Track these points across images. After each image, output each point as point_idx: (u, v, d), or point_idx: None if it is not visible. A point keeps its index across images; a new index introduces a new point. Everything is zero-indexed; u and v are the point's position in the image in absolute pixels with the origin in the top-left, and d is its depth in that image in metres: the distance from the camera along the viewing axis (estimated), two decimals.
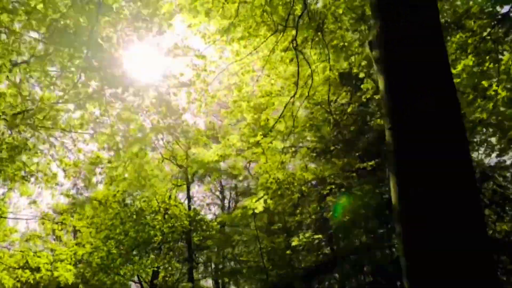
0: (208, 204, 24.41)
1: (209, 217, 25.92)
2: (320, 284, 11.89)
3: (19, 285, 13.17)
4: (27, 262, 12.31)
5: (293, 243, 9.75)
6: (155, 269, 22.94)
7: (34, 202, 11.91)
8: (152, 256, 22.57)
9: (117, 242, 19.86)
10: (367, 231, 10.80)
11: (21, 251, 12.04)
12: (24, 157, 8.45)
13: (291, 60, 10.61)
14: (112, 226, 19.77)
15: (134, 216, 20.11)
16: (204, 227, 20.28)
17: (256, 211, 9.71)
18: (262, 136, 9.43)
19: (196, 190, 28.86)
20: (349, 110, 9.32)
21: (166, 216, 20.35)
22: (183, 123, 24.22)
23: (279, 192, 9.57)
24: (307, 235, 9.85)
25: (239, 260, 15.24)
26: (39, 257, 12.15)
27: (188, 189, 22.07)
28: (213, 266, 22.22)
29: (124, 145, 13.70)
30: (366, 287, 11.04)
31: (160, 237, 18.27)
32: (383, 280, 10.66)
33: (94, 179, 12.92)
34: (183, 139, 22.34)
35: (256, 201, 9.46)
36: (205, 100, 10.92)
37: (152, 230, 18.62)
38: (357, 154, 9.79)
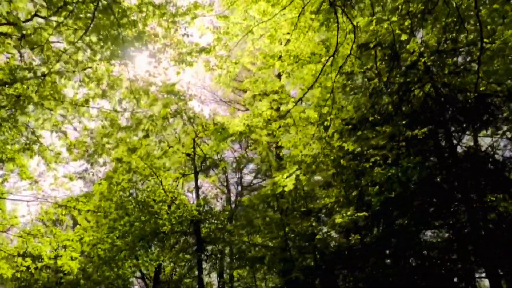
0: (216, 195, 23.31)
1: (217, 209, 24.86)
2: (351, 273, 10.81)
3: (19, 275, 12.07)
4: (27, 249, 11.27)
5: (337, 220, 8.67)
6: (161, 262, 21.87)
7: (36, 182, 10.82)
8: (157, 249, 21.50)
9: (122, 234, 18.78)
10: (414, 210, 9.72)
11: (20, 236, 10.96)
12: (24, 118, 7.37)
13: (322, 24, 9.56)
14: (117, 216, 18.69)
15: (140, 206, 19.04)
16: (213, 218, 19.21)
17: (286, 189, 8.65)
18: (294, 104, 8.36)
19: (200, 182, 27.78)
20: (392, 74, 8.26)
21: (173, 206, 19.27)
22: (190, 111, 23.13)
23: (313, 167, 8.51)
24: (349, 212, 8.76)
25: (261, 246, 14.09)
26: (40, 243, 11.09)
27: (196, 179, 20.95)
28: (227, 259, 21.13)
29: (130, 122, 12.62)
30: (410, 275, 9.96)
31: (169, 226, 17.16)
32: (430, 265, 9.59)
33: (101, 159, 11.88)
34: (190, 126, 21.38)
35: (287, 177, 8.39)
36: (226, 67, 9.87)
37: (160, 219, 17.51)
38: (403, 122, 8.72)
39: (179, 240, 22.00)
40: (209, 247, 22.13)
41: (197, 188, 20.91)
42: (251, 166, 33.43)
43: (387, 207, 9.40)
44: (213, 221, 21.39)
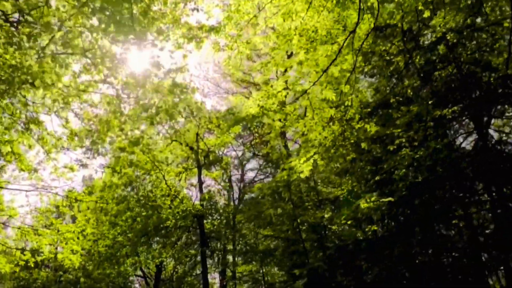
0: (219, 190, 22.77)
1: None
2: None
3: (17, 270, 11.50)
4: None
5: (362, 205, 8.11)
6: (163, 259, 21.34)
7: (35, 170, 10.26)
8: (160, 245, 20.95)
9: (124, 229, 18.25)
10: (439, 198, 9.15)
11: (19, 228, 10.38)
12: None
13: (337, 2, 9.04)
14: (118, 211, 18.15)
15: (142, 201, 18.49)
16: (217, 213, 18.69)
17: (301, 175, 8.11)
18: (312, 84, 7.82)
19: (203, 178, 27.28)
20: (414, 54, 7.73)
21: (177, 201, 18.73)
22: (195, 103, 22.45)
23: (331, 151, 7.98)
24: (373, 198, 8.20)
25: (273, 238, 13.50)
26: (40, 235, 10.52)
27: (200, 173, 20.40)
28: (230, 260, 20.52)
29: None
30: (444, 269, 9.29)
31: (173, 220, 16.61)
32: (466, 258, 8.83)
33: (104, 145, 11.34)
34: (193, 119, 20.82)
35: (304, 162, 7.84)
36: (237, 47, 9.32)
37: (164, 214, 16.96)
38: (429, 102, 8.15)
39: (181, 236, 21.47)
40: (213, 244, 21.63)
41: (200, 182, 20.37)
42: (253, 163, 32.99)
43: (409, 195, 8.84)
44: (216, 216, 20.86)
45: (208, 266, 23.73)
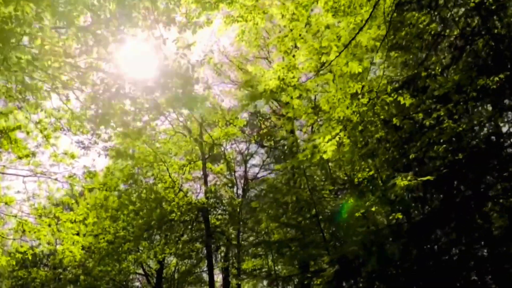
0: (224, 184, 22.04)
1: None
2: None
3: (14, 263, 10.75)
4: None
5: (400, 183, 7.33)
6: (166, 256, 20.60)
7: (33, 154, 9.53)
8: (163, 241, 20.21)
9: (126, 224, 17.53)
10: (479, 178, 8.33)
11: (15, 217, 9.61)
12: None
13: None
14: (121, 205, 17.42)
15: (144, 195, 17.76)
16: (223, 206, 17.98)
17: (325, 156, 7.38)
18: (337, 53, 7.11)
19: (207, 172, 26.56)
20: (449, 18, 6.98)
21: (181, 194, 18.00)
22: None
23: (359, 128, 7.27)
24: (408, 177, 7.44)
25: (291, 226, 12.69)
26: (39, 224, 9.78)
27: (204, 165, 19.67)
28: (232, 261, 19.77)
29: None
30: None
31: (178, 213, 15.87)
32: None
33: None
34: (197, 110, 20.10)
35: (328, 141, 7.12)
36: (252, 18, 8.61)
37: (169, 206, 16.22)
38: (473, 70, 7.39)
39: (185, 231, 20.75)
40: (217, 239, 20.92)
41: (205, 175, 19.64)
42: (257, 159, 32.32)
43: (449, 174, 8.04)
44: (221, 211, 20.14)
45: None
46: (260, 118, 22.84)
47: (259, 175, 31.58)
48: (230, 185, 26.87)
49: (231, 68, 20.77)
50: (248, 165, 31.73)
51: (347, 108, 6.88)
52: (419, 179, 7.12)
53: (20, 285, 27.59)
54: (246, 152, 30.66)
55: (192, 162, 19.91)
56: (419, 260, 8.58)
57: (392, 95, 7.14)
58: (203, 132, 20.36)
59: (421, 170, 8.29)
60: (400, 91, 7.34)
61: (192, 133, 19.74)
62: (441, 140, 7.47)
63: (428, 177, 6.98)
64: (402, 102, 7.03)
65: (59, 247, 10.78)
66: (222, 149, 26.69)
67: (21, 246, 10.30)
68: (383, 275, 8.91)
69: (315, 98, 13.44)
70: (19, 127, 11.44)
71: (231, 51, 20.91)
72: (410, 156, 7.91)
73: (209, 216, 18.64)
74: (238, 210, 17.75)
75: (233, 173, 28.22)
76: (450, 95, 7.29)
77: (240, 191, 27.78)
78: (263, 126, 20.76)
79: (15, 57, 5.57)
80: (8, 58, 5.30)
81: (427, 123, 7.57)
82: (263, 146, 20.95)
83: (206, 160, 19.75)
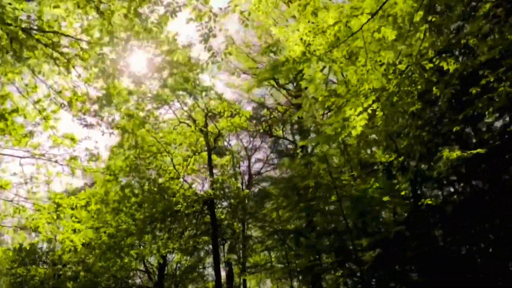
0: (230, 176, 21.31)
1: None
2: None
3: (10, 253, 10.00)
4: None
5: (446, 155, 6.54)
6: (170, 250, 19.87)
7: (31, 134, 8.79)
8: (166, 235, 19.47)
9: (129, 215, 16.79)
10: None
11: (10, 201, 8.87)
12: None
13: None
14: (123, 197, 16.68)
15: (146, 186, 17.03)
16: (230, 197, 17.23)
17: (353, 132, 6.65)
18: (370, 16, 6.37)
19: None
20: None
21: (186, 186, 17.28)
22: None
23: (395, 99, 6.51)
24: (456, 151, 6.67)
25: (315, 211, 11.87)
26: (38, 210, 9.03)
27: (210, 156, 18.94)
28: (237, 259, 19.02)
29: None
30: None
31: (185, 204, 15.14)
32: None
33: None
34: (202, 99, 19.37)
35: (358, 114, 6.38)
36: None
37: (173, 197, 15.48)
38: None
39: (189, 225, 20.03)
40: (224, 232, 20.26)
41: (211, 166, 18.91)
42: (260, 154, 31.72)
43: (503, 147, 7.20)
44: (227, 204, 19.43)
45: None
46: (267, 109, 22.18)
47: (263, 170, 31.09)
48: (234, 178, 26.21)
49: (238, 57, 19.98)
50: (252, 160, 31.23)
51: (382, 76, 6.15)
52: (469, 152, 6.38)
53: (19, 283, 26.94)
54: (250, 145, 30.11)
55: (197, 153, 19.20)
56: (463, 245, 7.86)
57: (434, 60, 6.42)
58: (208, 123, 19.65)
59: (464, 145, 7.53)
60: (444, 55, 6.61)
61: (197, 123, 19.03)
62: (490, 110, 6.73)
63: (479, 150, 6.24)
64: (445, 68, 6.29)
65: (59, 236, 10.01)
66: (226, 143, 26.05)
67: (19, 235, 9.52)
68: (429, 259, 8.15)
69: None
70: (16, 110, 10.73)
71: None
72: (454, 129, 7.14)
73: (215, 209, 17.94)
74: (246, 201, 16.99)
75: (237, 167, 27.63)
76: (502, 58, 6.54)
77: (244, 187, 27.15)
78: (271, 116, 20.00)
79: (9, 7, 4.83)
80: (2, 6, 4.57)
81: (473, 91, 6.82)
82: (271, 136, 20.19)
83: (211, 151, 19.03)
